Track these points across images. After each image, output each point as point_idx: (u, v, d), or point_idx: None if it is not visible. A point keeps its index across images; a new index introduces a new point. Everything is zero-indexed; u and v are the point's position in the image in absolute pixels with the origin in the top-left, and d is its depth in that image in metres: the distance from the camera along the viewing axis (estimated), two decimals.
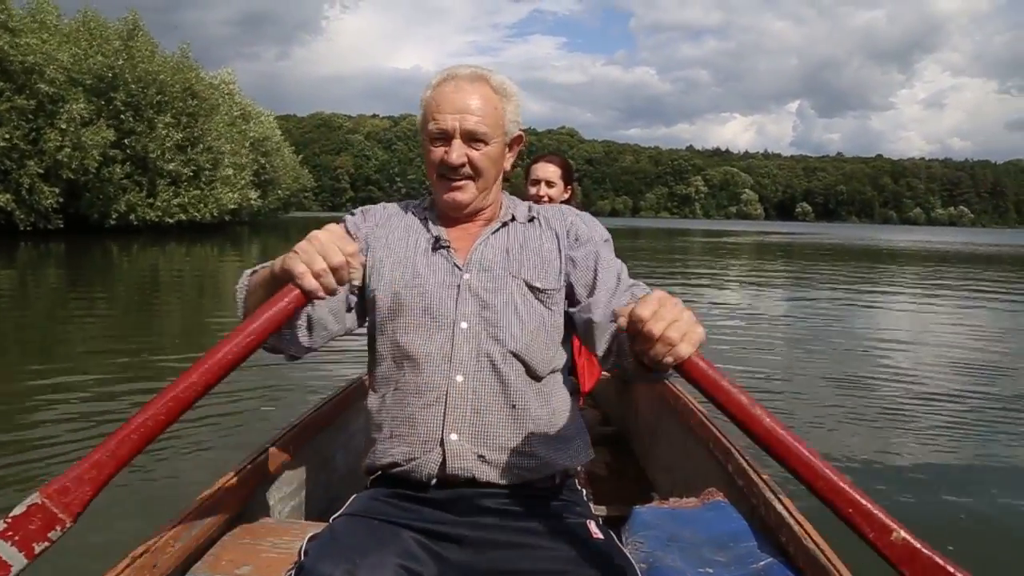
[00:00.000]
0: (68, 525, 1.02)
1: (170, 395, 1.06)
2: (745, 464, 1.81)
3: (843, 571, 1.27)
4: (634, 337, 1.04)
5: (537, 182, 2.93)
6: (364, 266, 1.41)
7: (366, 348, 1.48)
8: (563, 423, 1.39)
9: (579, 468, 1.48)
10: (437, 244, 1.44)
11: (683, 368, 1.02)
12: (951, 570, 0.92)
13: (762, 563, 1.41)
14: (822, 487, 0.97)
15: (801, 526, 1.44)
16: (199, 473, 3.28)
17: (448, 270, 1.41)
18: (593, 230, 1.49)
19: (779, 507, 1.54)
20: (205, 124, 34.23)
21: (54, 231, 26.57)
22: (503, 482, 1.31)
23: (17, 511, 1.01)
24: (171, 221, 32.06)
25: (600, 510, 1.92)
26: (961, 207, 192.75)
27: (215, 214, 34.45)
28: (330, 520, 1.28)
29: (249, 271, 1.37)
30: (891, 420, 4.73)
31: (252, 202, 39.51)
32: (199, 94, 34.44)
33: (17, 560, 0.99)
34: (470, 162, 1.40)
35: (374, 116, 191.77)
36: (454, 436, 1.30)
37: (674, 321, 1.01)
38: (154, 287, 12.80)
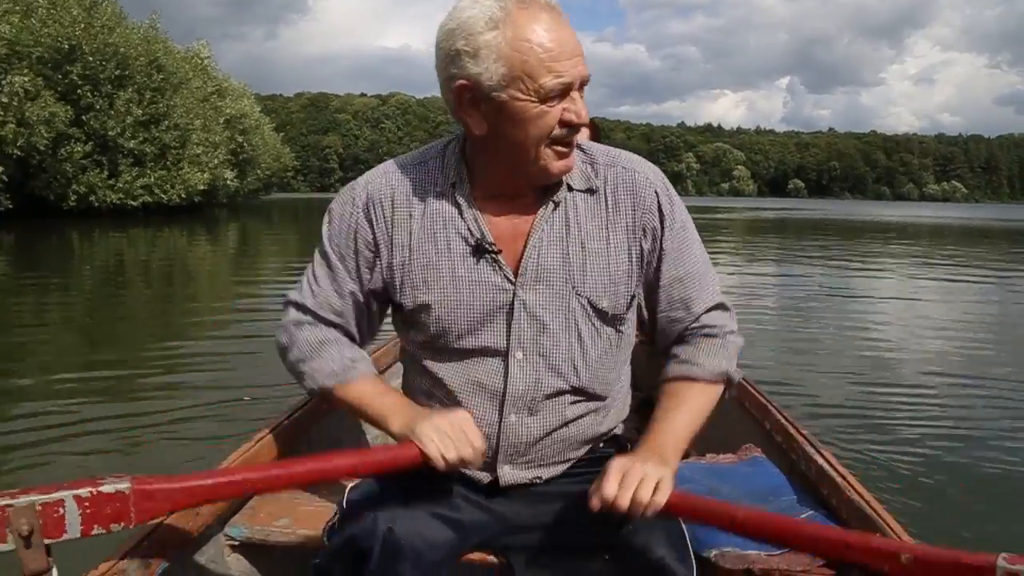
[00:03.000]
0: (129, 527, 0.99)
1: (279, 472, 1.09)
2: (783, 420, 1.80)
3: (890, 521, 1.27)
4: (616, 514, 1.03)
5: None
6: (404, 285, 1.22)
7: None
8: (617, 404, 1.31)
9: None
10: (481, 248, 1.16)
11: (669, 512, 1.03)
12: (967, 562, 0.88)
13: (803, 516, 1.42)
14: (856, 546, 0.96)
15: (844, 479, 1.44)
16: (236, 426, 3.34)
17: (498, 285, 1.17)
18: (675, 211, 1.22)
19: (820, 461, 1.54)
20: (171, 100, 32.30)
21: (4, 213, 24.90)
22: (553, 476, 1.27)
23: (106, 488, 0.96)
24: (135, 204, 30.22)
25: None
26: (955, 182, 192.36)
27: (183, 195, 32.50)
28: None
29: (315, 348, 1.26)
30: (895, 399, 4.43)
31: (228, 183, 37.92)
32: (166, 68, 32.56)
33: (73, 529, 0.95)
34: None
35: (362, 95, 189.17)
36: (507, 467, 1.22)
37: (641, 480, 1.00)
38: (118, 275, 11.56)
